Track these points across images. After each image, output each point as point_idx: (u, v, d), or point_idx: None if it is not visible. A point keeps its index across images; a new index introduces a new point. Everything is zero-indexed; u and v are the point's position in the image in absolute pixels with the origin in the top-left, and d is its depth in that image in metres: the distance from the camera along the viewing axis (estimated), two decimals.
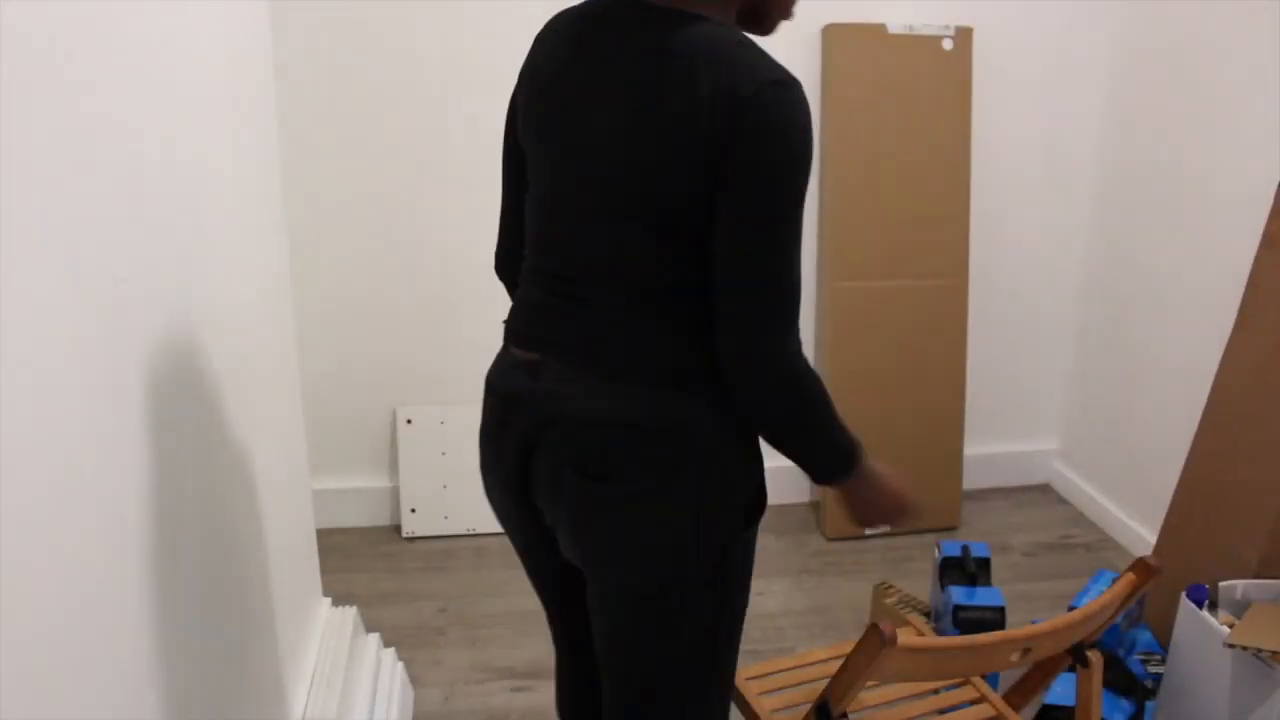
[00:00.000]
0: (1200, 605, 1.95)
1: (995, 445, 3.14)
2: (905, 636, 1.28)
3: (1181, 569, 2.16)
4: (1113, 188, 2.87)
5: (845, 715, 1.39)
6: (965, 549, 2.29)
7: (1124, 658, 2.12)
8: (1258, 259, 2.16)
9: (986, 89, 2.82)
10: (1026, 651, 1.39)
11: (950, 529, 2.95)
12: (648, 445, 1.19)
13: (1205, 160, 2.49)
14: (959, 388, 2.91)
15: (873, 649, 1.28)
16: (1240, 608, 1.99)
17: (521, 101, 1.27)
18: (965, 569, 2.26)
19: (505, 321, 1.34)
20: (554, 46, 1.23)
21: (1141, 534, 2.75)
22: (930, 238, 2.80)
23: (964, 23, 2.74)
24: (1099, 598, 1.46)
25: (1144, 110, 2.72)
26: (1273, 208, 2.12)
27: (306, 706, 1.70)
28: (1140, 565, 1.50)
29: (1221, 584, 1.98)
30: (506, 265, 1.42)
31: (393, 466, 2.94)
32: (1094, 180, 2.94)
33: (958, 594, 2.15)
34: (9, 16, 0.78)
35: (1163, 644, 2.18)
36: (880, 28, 2.70)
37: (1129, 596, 1.50)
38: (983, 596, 2.16)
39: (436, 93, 2.66)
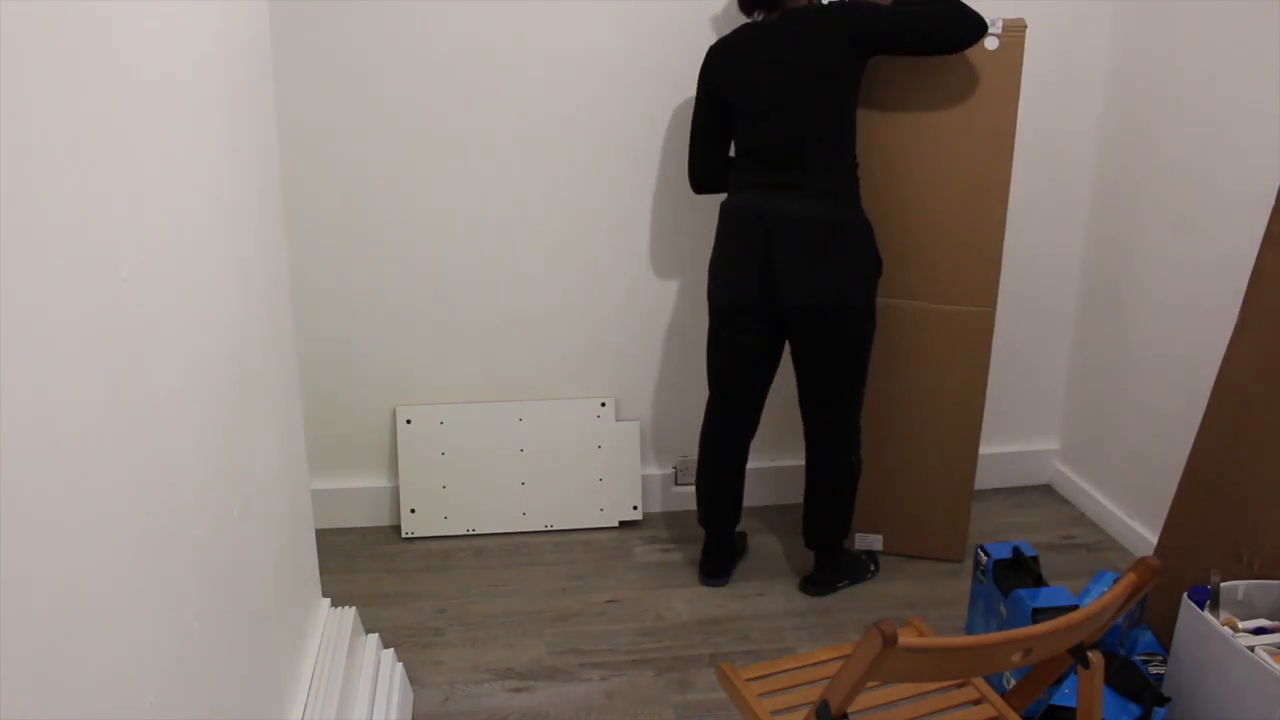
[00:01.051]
0: (1201, 606, 1.95)
1: (996, 446, 3.14)
2: (906, 637, 1.27)
3: (1183, 569, 2.16)
4: (1113, 188, 2.87)
5: (846, 716, 1.39)
6: (1016, 550, 2.28)
7: (1135, 661, 2.12)
8: (1260, 257, 2.15)
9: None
10: (1028, 652, 1.38)
11: None
12: None
13: (1205, 160, 2.48)
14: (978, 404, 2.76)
15: (873, 649, 1.28)
16: (1241, 608, 1.98)
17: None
18: (1023, 570, 2.25)
19: None
20: None
21: (1143, 534, 2.75)
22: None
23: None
24: (1100, 598, 1.46)
25: (1144, 110, 2.71)
26: (1275, 206, 2.12)
27: (306, 707, 1.69)
28: (1141, 565, 1.50)
29: (1223, 584, 1.97)
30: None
31: (392, 467, 2.94)
32: (1094, 180, 2.93)
33: (1029, 596, 2.12)
34: (8, 16, 0.78)
35: (1164, 644, 2.18)
36: None
37: (1130, 597, 1.50)
38: (1053, 596, 2.13)
39: (437, 92, 2.65)
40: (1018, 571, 2.27)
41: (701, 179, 2.55)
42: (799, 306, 2.36)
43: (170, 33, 1.19)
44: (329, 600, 2.07)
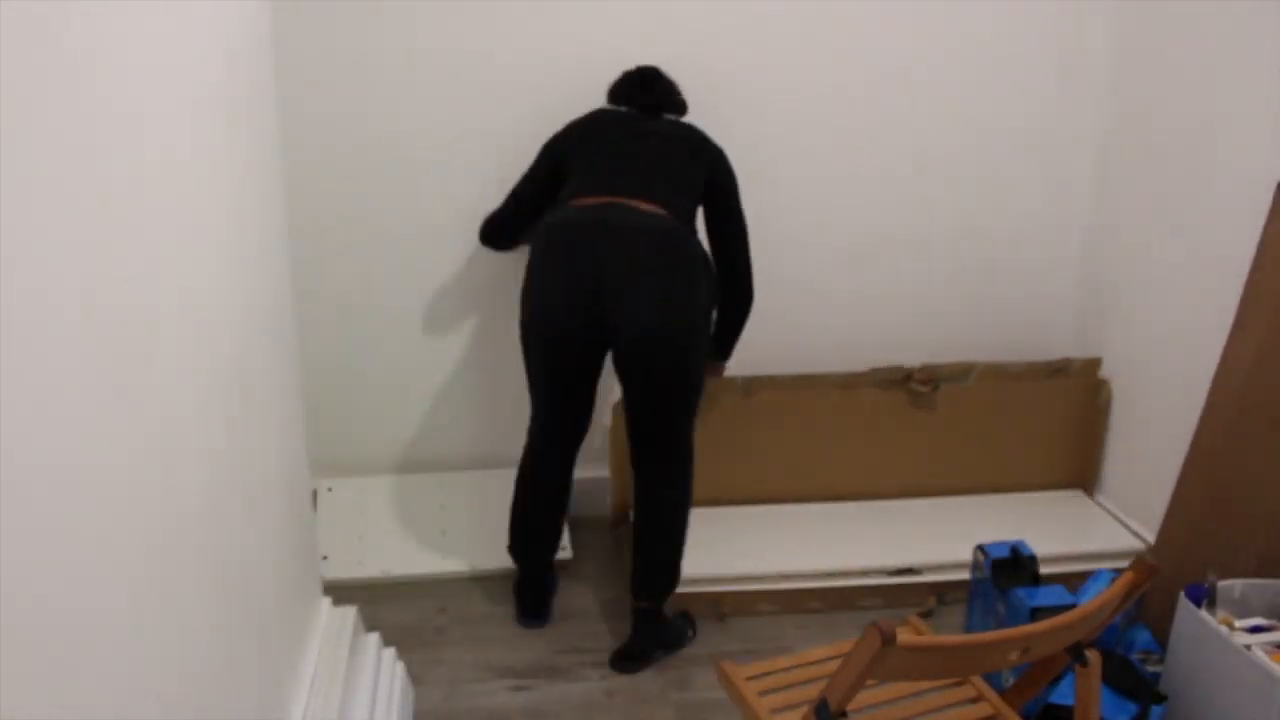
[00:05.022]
0: (1198, 604, 1.96)
1: None
2: (905, 635, 1.28)
3: (1180, 568, 2.16)
4: (1113, 187, 2.87)
5: (845, 714, 1.39)
6: (1014, 549, 2.29)
7: (1132, 659, 2.13)
8: (1257, 258, 2.16)
9: (986, 87, 2.82)
10: (1025, 650, 1.39)
11: None
12: None
13: (1205, 160, 2.49)
14: None
15: (872, 648, 1.28)
16: (1238, 607, 1.99)
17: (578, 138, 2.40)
18: (1021, 569, 2.25)
19: None
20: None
21: (1141, 533, 2.76)
22: None
23: (961, 22, 2.73)
24: (1098, 597, 1.46)
25: (1144, 109, 2.72)
26: (1273, 206, 2.13)
27: (307, 706, 1.70)
28: (1139, 564, 1.51)
29: (1220, 583, 1.98)
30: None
31: None
32: (1094, 179, 2.93)
33: (1027, 596, 2.12)
34: (8, 16, 0.78)
35: (1161, 643, 2.18)
36: None
37: (1128, 596, 1.50)
38: (1051, 596, 2.13)
39: (436, 93, 2.65)
40: (1016, 570, 2.27)
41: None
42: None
43: (171, 33, 1.20)
44: (329, 599, 2.07)
